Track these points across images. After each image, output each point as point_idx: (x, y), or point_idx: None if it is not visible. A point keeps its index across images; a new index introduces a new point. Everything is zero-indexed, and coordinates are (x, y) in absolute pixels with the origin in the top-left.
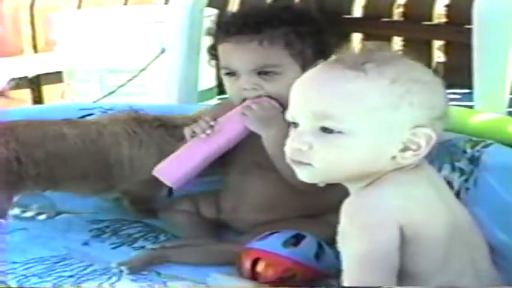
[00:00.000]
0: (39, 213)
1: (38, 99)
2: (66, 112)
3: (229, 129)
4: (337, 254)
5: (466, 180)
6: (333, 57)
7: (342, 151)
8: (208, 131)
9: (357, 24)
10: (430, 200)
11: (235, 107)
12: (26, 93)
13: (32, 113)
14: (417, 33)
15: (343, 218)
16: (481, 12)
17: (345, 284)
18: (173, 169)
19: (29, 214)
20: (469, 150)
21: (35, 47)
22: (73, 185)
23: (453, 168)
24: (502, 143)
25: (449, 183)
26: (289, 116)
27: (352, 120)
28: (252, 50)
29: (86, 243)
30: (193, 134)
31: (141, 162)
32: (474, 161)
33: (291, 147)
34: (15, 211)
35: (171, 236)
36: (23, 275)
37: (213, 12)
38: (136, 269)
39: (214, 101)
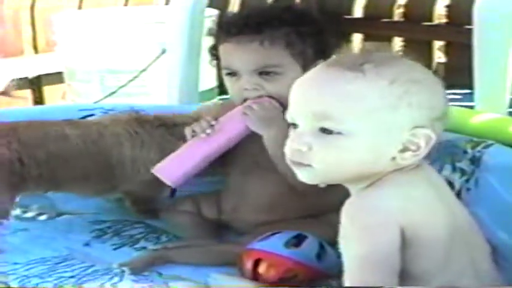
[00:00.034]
0: (39, 214)
1: (38, 100)
2: (66, 113)
3: (229, 129)
4: (338, 255)
5: (467, 181)
6: (332, 58)
7: (341, 152)
8: (209, 131)
9: (357, 25)
10: (430, 201)
11: (236, 107)
12: (27, 93)
13: (32, 113)
14: (417, 34)
15: (343, 219)
16: (482, 12)
17: (346, 284)
18: (173, 168)
19: (29, 215)
20: (470, 151)
21: (35, 47)
22: (75, 186)
23: (454, 169)
24: (503, 143)
25: (450, 184)
26: (289, 117)
27: (351, 121)
28: (253, 50)
29: (87, 244)
30: (194, 134)
31: (143, 163)
32: (475, 161)
33: (290, 148)
34: (16, 212)
35: (173, 237)
36: (25, 276)
37: (214, 12)
38: (137, 270)
39: (215, 101)
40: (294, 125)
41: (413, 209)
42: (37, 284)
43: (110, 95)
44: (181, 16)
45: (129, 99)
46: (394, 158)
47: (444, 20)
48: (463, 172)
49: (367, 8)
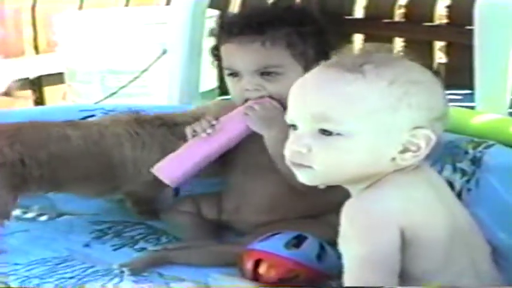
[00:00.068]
0: (40, 215)
1: (39, 101)
2: (67, 113)
3: (230, 129)
4: (339, 255)
5: (468, 181)
6: (332, 59)
7: (341, 153)
8: (209, 130)
9: (358, 25)
10: (430, 202)
11: (237, 107)
12: (28, 94)
13: (33, 114)
14: (418, 34)
15: (343, 220)
16: (482, 13)
17: (346, 285)
18: (172, 168)
19: (30, 215)
20: (470, 151)
21: (36, 48)
22: (76, 187)
23: (455, 169)
24: (504, 143)
25: (451, 184)
26: (288, 118)
27: (350, 122)
28: (254, 50)
29: (87, 245)
30: (195, 134)
31: (144, 163)
32: (476, 161)
33: (290, 149)
34: (17, 212)
35: (173, 238)
36: (25, 277)
37: (215, 13)
38: (138, 270)
39: (215, 100)
40: (294, 127)
41: (414, 210)
42: (38, 285)
43: (110, 95)
44: (182, 17)
45: (130, 99)
46: (394, 159)
47: (445, 21)
48: (463, 172)
49: (367, 8)
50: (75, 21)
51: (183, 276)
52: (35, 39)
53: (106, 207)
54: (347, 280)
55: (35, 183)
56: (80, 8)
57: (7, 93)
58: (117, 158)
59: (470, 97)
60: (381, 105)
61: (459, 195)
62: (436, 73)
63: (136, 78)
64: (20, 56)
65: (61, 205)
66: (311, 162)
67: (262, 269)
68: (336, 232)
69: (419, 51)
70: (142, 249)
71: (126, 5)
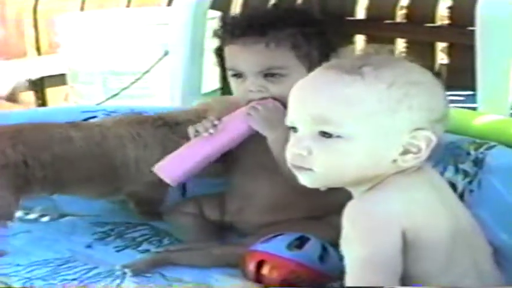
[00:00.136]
0: (42, 216)
1: (41, 102)
2: (69, 114)
3: (232, 129)
4: (341, 256)
5: (470, 182)
6: (331, 61)
7: (341, 155)
8: (212, 130)
9: (359, 26)
10: (432, 203)
11: (240, 106)
12: (31, 99)
13: (35, 115)
14: (420, 35)
15: (345, 222)
16: (484, 13)
17: (348, 285)
18: (173, 167)
19: (32, 216)
20: (472, 152)
21: (38, 49)
22: (80, 188)
23: (457, 170)
24: (506, 144)
25: (453, 185)
26: (289, 121)
27: (350, 124)
28: (258, 52)
29: (89, 246)
30: (197, 134)
31: (146, 164)
32: (478, 163)
33: (291, 152)
34: (19, 213)
35: (175, 240)
36: (27, 278)
37: (216, 14)
38: (140, 272)
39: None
40: (294, 129)
41: (415, 212)
42: (40, 286)
43: (112, 96)
44: (183, 18)
45: (132, 101)
46: (395, 161)
47: (447, 22)
48: (465, 174)
49: (369, 9)
50: (77, 22)
51: (185, 277)
52: (37, 40)
53: (108, 208)
54: (349, 281)
55: (38, 184)
56: (82, 9)
57: (11, 98)
58: (119, 159)
59: (472, 98)
60: (380, 108)
61: (461, 196)
62: (438, 74)
63: (138, 79)
64: (22, 57)
65: (63, 206)
66: (311, 165)
67: (264, 270)
68: (338, 233)
69: (421, 52)
70: (146, 250)
71: (128, 6)
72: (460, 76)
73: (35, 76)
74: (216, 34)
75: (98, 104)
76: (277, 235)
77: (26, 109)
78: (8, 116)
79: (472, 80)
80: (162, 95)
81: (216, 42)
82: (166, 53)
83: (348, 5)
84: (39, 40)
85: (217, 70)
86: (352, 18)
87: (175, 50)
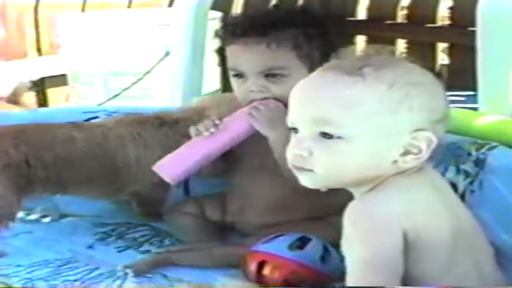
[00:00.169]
0: (43, 216)
1: (42, 103)
2: (70, 115)
3: (233, 128)
4: (342, 257)
5: (471, 183)
6: (331, 62)
7: (342, 156)
8: (212, 130)
9: (361, 27)
10: (433, 204)
11: (240, 105)
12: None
13: (36, 116)
14: (421, 36)
15: (346, 223)
16: (485, 14)
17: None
18: (173, 165)
19: (33, 217)
20: (474, 153)
21: (39, 50)
22: (81, 188)
23: (458, 171)
24: (507, 145)
25: (454, 186)
26: (289, 121)
27: (351, 125)
28: (259, 52)
29: (91, 247)
30: (198, 133)
31: (147, 164)
32: (479, 163)
33: (291, 153)
34: (20, 214)
35: (176, 240)
36: (28, 279)
37: (217, 15)
38: (141, 272)
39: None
40: (295, 130)
41: (416, 212)
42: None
43: (113, 97)
44: (184, 18)
45: (133, 101)
46: (395, 162)
47: (447, 22)
48: (467, 174)
49: (370, 9)
50: (78, 23)
51: (186, 278)
52: (38, 41)
53: (109, 209)
54: (349, 282)
55: (40, 184)
56: (83, 9)
57: (12, 100)
58: (120, 160)
59: (473, 98)
60: (381, 108)
61: (462, 196)
62: (439, 74)
63: (139, 80)
64: (23, 58)
65: (64, 207)
66: (312, 166)
67: (266, 271)
68: (339, 234)
69: (422, 53)
70: (147, 251)
71: (129, 7)
72: (461, 76)
73: (35, 77)
74: (217, 34)
75: (99, 105)
76: (279, 235)
77: (27, 110)
78: (10, 117)
79: (473, 81)
80: (163, 95)
81: (217, 43)
82: (167, 54)
83: (349, 5)
84: (40, 41)
85: (217, 70)
86: (353, 18)
87: (176, 50)
